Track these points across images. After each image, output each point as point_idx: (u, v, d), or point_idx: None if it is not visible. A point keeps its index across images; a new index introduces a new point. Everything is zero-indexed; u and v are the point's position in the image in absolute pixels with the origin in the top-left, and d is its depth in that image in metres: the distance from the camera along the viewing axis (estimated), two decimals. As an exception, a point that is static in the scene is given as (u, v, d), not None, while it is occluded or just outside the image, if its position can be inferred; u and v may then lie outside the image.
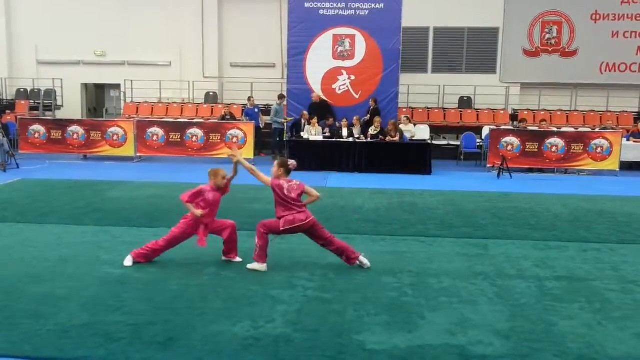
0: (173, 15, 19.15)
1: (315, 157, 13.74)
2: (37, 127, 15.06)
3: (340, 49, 15.46)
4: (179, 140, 14.90)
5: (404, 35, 15.62)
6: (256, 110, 16.44)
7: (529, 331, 4.54)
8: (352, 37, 15.37)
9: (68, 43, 19.50)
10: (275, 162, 6.32)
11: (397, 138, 13.94)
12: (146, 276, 5.63)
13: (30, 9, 19.62)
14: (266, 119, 16.70)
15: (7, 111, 18.07)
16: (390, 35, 15.18)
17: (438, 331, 4.49)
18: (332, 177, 12.67)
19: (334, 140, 14.16)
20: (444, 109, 18.24)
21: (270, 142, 16.15)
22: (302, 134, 14.56)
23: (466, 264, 6.30)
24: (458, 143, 16.61)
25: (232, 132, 14.75)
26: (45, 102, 18.94)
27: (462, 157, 16.13)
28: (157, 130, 14.95)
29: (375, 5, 15.20)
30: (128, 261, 5.96)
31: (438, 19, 18.48)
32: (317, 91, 15.54)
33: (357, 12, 15.30)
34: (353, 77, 15.52)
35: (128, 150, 14.97)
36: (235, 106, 17.61)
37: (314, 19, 15.40)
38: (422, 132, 16.01)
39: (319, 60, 15.46)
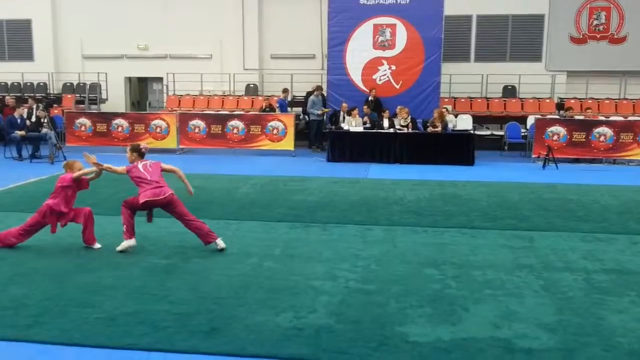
0: (214, 8, 19.30)
1: (356, 148, 13.68)
2: (83, 121, 15.41)
3: (380, 38, 15.31)
4: (220, 132, 15.03)
5: (446, 23, 15.36)
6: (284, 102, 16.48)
7: (576, 325, 4.42)
8: (392, 27, 15.20)
9: (112, 38, 19.88)
10: (128, 149, 6.49)
11: (439, 128, 13.75)
12: (191, 266, 5.71)
13: (75, 5, 20.05)
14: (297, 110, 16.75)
15: (55, 105, 18.54)
16: (432, 24, 14.96)
17: (482, 324, 4.41)
18: (372, 169, 12.60)
19: (374, 131, 14.06)
20: (487, 98, 17.88)
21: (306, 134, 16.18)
22: (341, 124, 14.51)
23: (511, 256, 6.18)
24: (502, 133, 16.27)
25: (273, 123, 14.80)
26: (90, 95, 19.36)
27: (506, 148, 15.81)
28: (198, 123, 15.12)
29: (416, -6, 15.01)
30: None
31: (481, 6, 18.10)
32: (358, 82, 15.45)
33: (398, 1, 15.09)
34: (394, 67, 15.36)
35: (170, 142, 15.19)
36: (275, 98, 17.66)
37: (354, 8, 15.28)
38: (464, 122, 15.75)
39: (359, 50, 15.34)
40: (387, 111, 14.50)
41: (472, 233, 7.16)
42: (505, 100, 17.70)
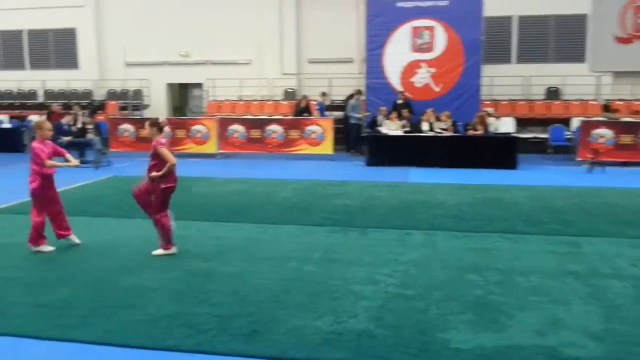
0: (252, 14, 19.49)
1: (395, 152, 13.59)
2: (126, 126, 15.75)
3: (419, 41, 15.21)
4: (259, 136, 15.14)
5: (486, 25, 15.19)
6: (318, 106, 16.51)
7: (625, 334, 4.27)
8: (431, 29, 15.09)
9: (154, 45, 20.28)
10: (147, 124, 6.23)
11: (481, 132, 13.55)
12: (230, 269, 5.75)
13: (118, 15, 20.54)
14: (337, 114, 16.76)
15: (99, 111, 19.01)
16: (471, 25, 14.78)
17: (527, 331, 4.30)
18: (412, 172, 12.49)
19: (414, 134, 13.94)
20: (529, 100, 17.56)
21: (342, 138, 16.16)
22: (380, 128, 14.44)
23: (556, 262, 6.02)
24: (545, 136, 15.91)
25: (311, 128, 14.83)
26: (133, 102, 19.80)
27: (550, 151, 15.46)
28: (238, 128, 15.27)
29: (456, -5, 14.87)
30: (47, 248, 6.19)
31: (522, 7, 17.78)
32: (396, 85, 15.39)
33: (437, 3, 14.99)
34: (433, 70, 15.24)
35: (211, 147, 15.38)
36: (313, 102, 17.68)
37: (391, 11, 15.23)
38: (506, 125, 15.49)
39: (397, 53, 15.28)
40: (426, 113, 14.34)
41: (515, 238, 7.00)
42: (548, 102, 17.36)
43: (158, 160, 6.03)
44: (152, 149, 6.05)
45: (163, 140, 6.09)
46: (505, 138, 13.67)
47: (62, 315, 4.57)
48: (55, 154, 6.34)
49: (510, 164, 13.05)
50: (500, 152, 13.26)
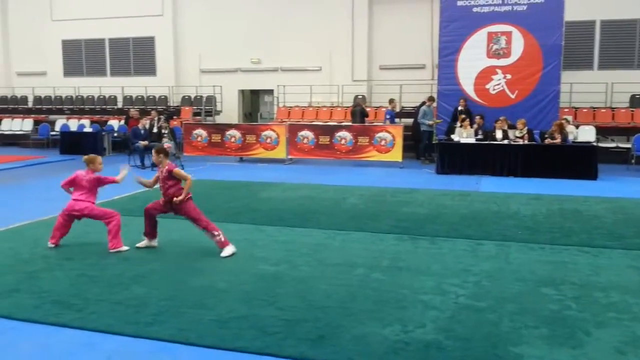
0: (324, 21, 19.64)
1: (467, 160, 13.31)
2: (200, 132, 16.18)
3: (495, 47, 14.86)
4: (328, 143, 15.20)
5: (567, 29, 14.64)
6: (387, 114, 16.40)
7: None
8: (508, 34, 14.70)
9: (227, 53, 20.81)
10: (153, 151, 6.62)
11: (559, 140, 13.06)
12: (298, 274, 5.77)
13: (194, 24, 21.21)
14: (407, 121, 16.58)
15: (174, 117, 19.64)
16: (551, 30, 14.31)
17: (606, 349, 4.09)
18: (484, 181, 12.19)
19: (487, 142, 13.60)
20: (612, 108, 16.78)
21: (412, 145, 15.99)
22: (452, 136, 14.19)
23: (638, 278, 5.70)
24: (629, 145, 15.14)
25: (381, 134, 14.74)
26: (206, 108, 20.34)
27: (633, 161, 14.71)
28: (307, 134, 15.39)
29: (534, 0, 14.41)
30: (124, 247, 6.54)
31: (605, 11, 17.06)
32: (470, 92, 15.09)
33: (515, 8, 14.60)
34: (509, 76, 14.84)
35: (280, 152, 15.57)
36: (383, 109, 17.59)
37: (467, 17, 14.96)
38: (586, 134, 14.87)
39: (472, 59, 14.98)
40: (499, 121, 13.98)
41: (594, 252, 6.69)
42: (632, 110, 16.51)
43: (174, 181, 6.43)
44: (165, 173, 6.42)
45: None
46: (585, 147, 13.11)
47: (136, 312, 4.72)
48: (98, 185, 6.77)
49: (590, 175, 12.50)
50: (579, 162, 12.72)
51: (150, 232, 6.67)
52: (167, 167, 6.44)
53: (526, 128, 13.57)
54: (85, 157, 6.84)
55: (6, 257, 6.33)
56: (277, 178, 12.36)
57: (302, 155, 15.52)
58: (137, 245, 6.63)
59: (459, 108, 14.93)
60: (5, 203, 9.72)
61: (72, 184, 6.72)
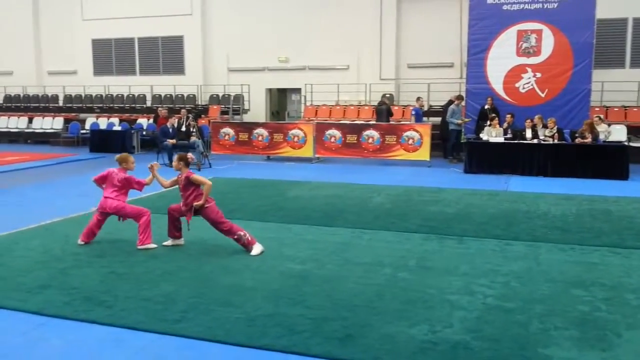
0: (352, 20, 19.62)
1: (495, 160, 13.15)
2: (227, 130, 16.28)
3: (525, 45, 14.66)
4: (356, 141, 15.16)
5: (598, 27, 14.38)
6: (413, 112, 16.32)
7: None
8: (538, 32, 14.50)
9: (255, 51, 20.92)
10: (175, 159, 6.73)
11: (589, 140, 12.83)
12: (325, 273, 5.78)
13: (222, 22, 21.38)
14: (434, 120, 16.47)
15: (202, 115, 19.81)
16: (582, 28, 14.08)
17: (637, 351, 4.01)
18: (513, 181, 12.04)
19: (516, 141, 13.42)
20: (644, 107, 16.46)
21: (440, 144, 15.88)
22: (481, 135, 14.05)
23: (672, 280, 5.58)
24: (661, 145, 14.85)
25: (408, 133, 14.66)
26: (234, 106, 20.47)
27: (665, 161, 14.40)
28: (334, 132, 15.38)
29: (565, -3, 14.22)
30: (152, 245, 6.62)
31: (638, 8, 16.71)
32: (499, 90, 14.94)
33: (545, 6, 14.39)
34: (539, 75, 14.64)
35: (307, 151, 15.59)
36: (410, 107, 17.50)
37: (496, 15, 14.80)
38: (618, 133, 14.58)
39: (501, 57, 14.82)
40: (529, 121, 13.79)
41: (626, 253, 6.56)
42: (665, 110, 16.16)
43: (194, 187, 6.48)
44: (184, 180, 6.48)
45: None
46: (616, 147, 12.86)
47: (164, 309, 4.78)
48: (128, 185, 6.86)
49: (621, 175, 12.26)
50: (610, 162, 12.48)
51: (174, 234, 6.74)
52: (185, 175, 6.52)
53: (556, 127, 13.36)
54: (118, 156, 6.95)
55: (37, 253, 6.45)
56: (304, 177, 12.38)
57: (329, 154, 15.52)
58: (164, 243, 6.71)
59: (486, 107, 14.78)
60: (37, 200, 9.92)
61: (104, 181, 6.82)
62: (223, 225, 6.47)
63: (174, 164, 6.76)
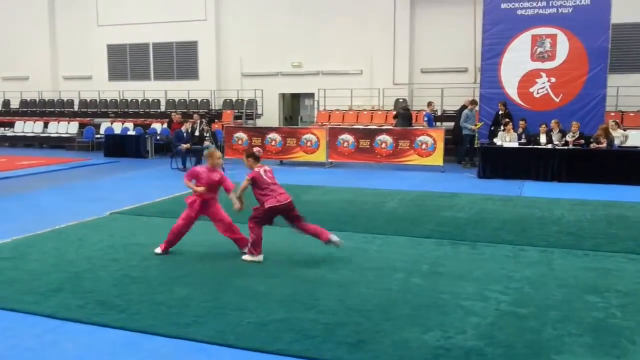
0: (365, 25, 19.62)
1: (509, 165, 13.08)
2: (240, 135, 16.33)
3: (539, 49, 14.59)
4: (369, 146, 15.15)
5: (613, 32, 14.27)
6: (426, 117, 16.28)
7: None
8: (553, 37, 14.42)
9: (268, 56, 20.99)
10: (244, 156, 6.54)
11: (604, 145, 12.72)
12: (337, 277, 5.77)
13: (236, 27, 21.46)
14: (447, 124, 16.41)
15: (216, 120, 19.89)
16: (597, 32, 13.98)
17: (653, 360, 3.97)
18: (527, 186, 11.96)
19: (530, 146, 13.34)
20: (660, 112, 16.29)
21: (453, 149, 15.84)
22: (495, 140, 13.98)
23: (689, 287, 5.51)
24: (678, 150, 14.65)
25: (422, 138, 14.61)
26: (247, 111, 20.55)
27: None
28: (347, 137, 15.37)
29: (580, 2, 14.11)
30: (158, 249, 6.56)
31: (655, 12, 16.59)
32: (513, 95, 14.87)
33: (560, 10, 14.31)
34: (553, 80, 14.55)
35: (320, 156, 15.59)
36: (423, 112, 17.45)
37: (510, 19, 14.74)
38: (634, 138, 14.42)
39: (516, 62, 14.76)
40: (543, 126, 13.70)
41: (641, 259, 6.50)
42: (682, 114, 15.98)
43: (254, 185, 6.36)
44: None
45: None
46: (633, 152, 12.74)
47: (178, 313, 4.79)
48: (216, 182, 6.62)
49: (637, 181, 12.11)
50: (626, 167, 12.36)
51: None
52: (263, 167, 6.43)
53: (579, 132, 13.23)
54: (205, 151, 6.86)
55: (51, 257, 6.51)
56: (317, 181, 12.39)
57: (342, 158, 15.51)
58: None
59: (499, 112, 14.72)
60: (52, 204, 10.01)
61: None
62: (251, 223, 6.35)
63: (246, 164, 6.49)
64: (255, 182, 6.30)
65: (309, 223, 6.45)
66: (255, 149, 6.61)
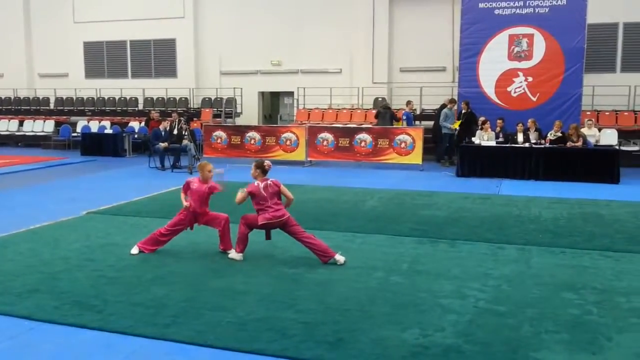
0: (345, 23, 19.64)
1: (487, 163, 13.20)
2: (219, 133, 16.24)
3: (516, 49, 14.75)
4: (348, 145, 15.17)
5: (589, 32, 14.48)
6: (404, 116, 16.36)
7: None
8: (530, 37, 14.59)
9: (247, 55, 20.90)
10: (253, 165, 6.49)
11: (579, 143, 12.90)
12: (317, 276, 5.76)
13: (215, 26, 21.33)
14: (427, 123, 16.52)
15: (194, 118, 19.74)
16: (573, 33, 14.19)
17: (627, 355, 4.03)
18: (505, 185, 12.08)
19: (507, 145, 13.47)
20: (634, 111, 16.53)
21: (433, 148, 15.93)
22: (473, 139, 14.09)
23: (663, 284, 5.60)
24: (653, 149, 14.94)
25: (401, 137, 14.68)
26: (226, 109, 20.44)
27: (656, 165, 14.49)
28: (327, 136, 15.38)
29: (556, 2, 14.29)
30: (134, 250, 6.49)
31: (629, 13, 16.84)
32: (491, 94, 15.01)
33: (537, 10, 14.49)
34: (530, 79, 14.72)
35: (299, 155, 15.57)
36: (402, 111, 17.51)
37: (488, 19, 14.88)
38: (608, 137, 14.68)
39: (493, 62, 14.92)
40: (520, 125, 13.85)
41: (616, 256, 6.59)
42: (656, 114, 16.26)
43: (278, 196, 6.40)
44: (272, 187, 6.33)
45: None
46: (607, 151, 12.94)
47: (155, 314, 4.75)
48: (206, 194, 6.64)
49: (612, 179, 12.33)
50: (601, 166, 12.55)
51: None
52: (272, 181, 6.40)
53: (561, 131, 13.37)
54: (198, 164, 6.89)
55: (27, 257, 6.40)
56: (296, 180, 12.34)
57: (321, 157, 15.51)
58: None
59: (462, 111, 14.87)
60: (27, 204, 9.84)
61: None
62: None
63: (251, 172, 6.46)
64: (253, 196, 6.31)
65: (316, 238, 6.35)
66: (265, 163, 6.53)
